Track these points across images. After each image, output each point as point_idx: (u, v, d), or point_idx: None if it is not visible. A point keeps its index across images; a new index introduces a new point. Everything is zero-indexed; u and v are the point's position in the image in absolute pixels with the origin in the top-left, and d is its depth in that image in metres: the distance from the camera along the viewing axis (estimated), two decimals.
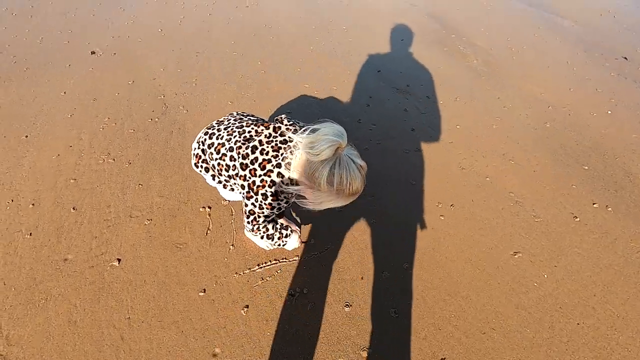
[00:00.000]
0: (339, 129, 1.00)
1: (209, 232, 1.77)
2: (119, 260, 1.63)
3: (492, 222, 1.94)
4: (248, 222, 1.29)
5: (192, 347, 1.38)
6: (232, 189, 1.40)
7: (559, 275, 1.72)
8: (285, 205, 1.24)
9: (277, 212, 1.26)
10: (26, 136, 2.21)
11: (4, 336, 1.37)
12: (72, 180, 1.96)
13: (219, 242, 1.73)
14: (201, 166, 1.37)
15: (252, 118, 1.43)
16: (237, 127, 1.31)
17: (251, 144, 1.21)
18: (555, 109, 2.85)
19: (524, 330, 1.51)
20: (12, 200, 1.84)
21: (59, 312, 1.45)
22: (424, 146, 2.37)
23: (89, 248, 1.67)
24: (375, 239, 1.80)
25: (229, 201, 1.89)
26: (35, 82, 2.65)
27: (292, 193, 1.17)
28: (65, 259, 1.62)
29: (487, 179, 2.19)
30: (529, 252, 1.81)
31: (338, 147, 0.99)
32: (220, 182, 1.37)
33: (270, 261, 1.66)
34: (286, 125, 1.26)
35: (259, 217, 1.26)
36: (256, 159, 1.18)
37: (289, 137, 1.21)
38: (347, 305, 1.54)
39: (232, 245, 1.72)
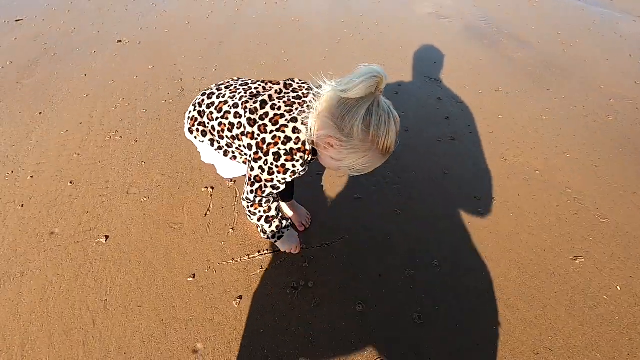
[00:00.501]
0: (378, 67, 0.79)
1: (208, 213, 1.57)
2: (106, 237, 1.46)
3: (544, 220, 1.59)
4: (250, 192, 1.05)
5: (171, 339, 1.16)
6: (235, 157, 1.18)
7: (638, 288, 1.34)
8: (301, 170, 1.00)
9: (289, 179, 1.02)
10: (40, 113, 2.16)
11: None
12: (75, 155, 1.85)
13: (217, 225, 1.52)
14: (197, 130, 1.16)
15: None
16: (241, 85, 1.12)
17: (260, 99, 1.00)
18: (619, 101, 2.45)
19: (593, 355, 1.15)
20: (12, 172, 1.75)
21: (32, 288, 1.29)
22: (460, 135, 2.07)
23: (78, 223, 1.52)
24: (398, 232, 1.52)
25: (234, 182, 1.70)
26: (60, 66, 2.65)
27: (309, 150, 0.96)
28: (52, 233, 1.48)
29: (537, 172, 1.84)
30: (593, 258, 1.44)
31: (378, 83, 0.78)
32: (220, 148, 1.16)
33: (272, 248, 1.43)
34: (298, 82, 1.08)
35: (265, 186, 1.03)
36: (266, 114, 0.97)
37: (305, 92, 1.03)
38: (359, 305, 1.26)
39: (232, 228, 1.51)
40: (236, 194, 1.65)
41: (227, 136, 1.08)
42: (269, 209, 1.12)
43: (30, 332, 1.17)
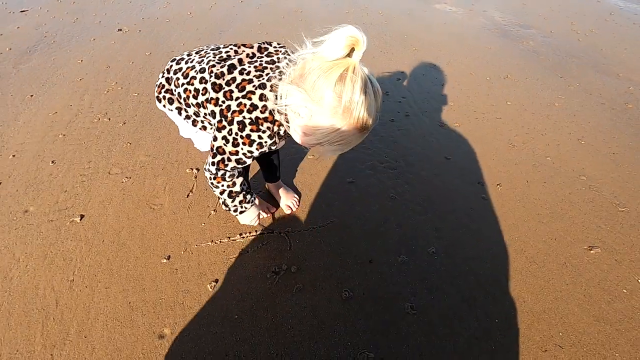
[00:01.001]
0: (355, 28, 0.70)
1: (190, 194, 1.48)
2: (81, 216, 1.38)
3: (555, 208, 1.45)
4: (212, 164, 0.96)
5: (136, 322, 1.06)
6: (204, 127, 1.08)
7: None
8: (270, 143, 0.90)
9: (257, 153, 0.92)
10: (31, 95, 2.12)
11: None
12: (60, 136, 1.79)
13: (199, 206, 1.43)
14: (164, 97, 1.07)
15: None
16: (211, 50, 1.02)
17: (228, 63, 0.91)
18: (639, 89, 2.28)
19: (611, 355, 1.01)
20: None
21: None
22: (464, 120, 1.94)
23: (55, 202, 1.44)
24: (393, 218, 1.40)
25: None
26: (57, 52, 2.62)
27: (279, 121, 0.86)
28: (26, 211, 1.40)
29: (548, 158, 1.70)
30: (611, 248, 1.30)
31: (354, 44, 0.68)
32: (188, 117, 1.06)
33: (255, 230, 1.32)
34: (275, 47, 0.98)
35: (229, 159, 0.93)
36: (234, 79, 0.88)
37: (281, 57, 0.93)
38: (346, 292, 1.14)
39: (215, 210, 1.41)
40: None
41: (192, 104, 0.99)
42: (233, 184, 1.03)
43: None
